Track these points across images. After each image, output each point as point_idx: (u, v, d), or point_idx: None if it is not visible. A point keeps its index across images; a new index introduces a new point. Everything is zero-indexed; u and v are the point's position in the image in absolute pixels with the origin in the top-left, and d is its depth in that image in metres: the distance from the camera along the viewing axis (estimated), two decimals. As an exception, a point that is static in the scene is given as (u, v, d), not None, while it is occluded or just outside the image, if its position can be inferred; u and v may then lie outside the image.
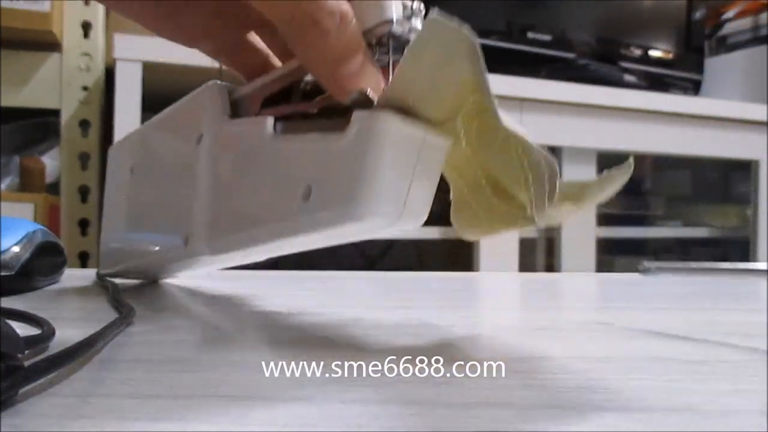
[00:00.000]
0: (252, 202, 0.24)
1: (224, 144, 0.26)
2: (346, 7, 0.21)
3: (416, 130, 0.20)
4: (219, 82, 0.28)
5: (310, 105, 0.25)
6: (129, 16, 0.27)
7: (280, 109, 0.25)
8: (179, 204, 0.28)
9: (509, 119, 0.20)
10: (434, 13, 0.18)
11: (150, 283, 0.37)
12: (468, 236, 0.24)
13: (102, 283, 0.35)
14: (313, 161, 0.22)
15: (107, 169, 0.36)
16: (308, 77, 0.26)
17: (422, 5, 0.22)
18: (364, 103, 0.21)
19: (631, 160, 0.20)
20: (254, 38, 0.29)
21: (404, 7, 0.22)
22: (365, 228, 0.21)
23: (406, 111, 0.20)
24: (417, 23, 0.22)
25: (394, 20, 0.21)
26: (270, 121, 0.24)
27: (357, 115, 0.20)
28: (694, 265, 0.23)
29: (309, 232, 0.21)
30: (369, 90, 0.21)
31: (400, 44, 0.22)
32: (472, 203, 0.24)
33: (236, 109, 0.27)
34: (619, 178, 0.21)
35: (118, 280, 0.35)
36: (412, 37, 0.22)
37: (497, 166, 0.22)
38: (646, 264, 0.23)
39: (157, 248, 0.30)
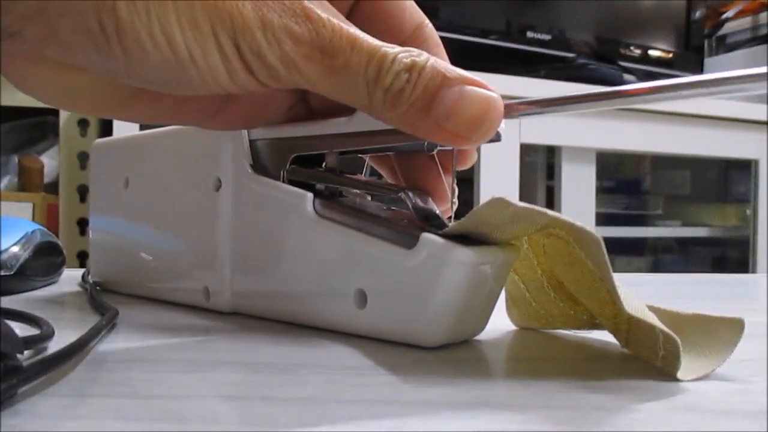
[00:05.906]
0: (287, 280, 0.24)
1: (249, 201, 0.25)
2: (408, 58, 0.19)
3: (486, 259, 0.20)
4: None
5: (352, 182, 0.24)
6: (182, 122, 0.25)
7: (312, 174, 0.24)
8: (196, 249, 0.28)
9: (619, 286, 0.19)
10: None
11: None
12: (522, 326, 0.25)
13: (83, 285, 0.35)
14: (366, 264, 0.22)
15: (90, 170, 0.35)
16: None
17: None
18: (434, 220, 0.21)
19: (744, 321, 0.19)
20: (305, 102, 0.26)
21: None
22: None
23: (474, 233, 0.20)
24: None
25: None
26: (309, 199, 0.23)
27: (427, 240, 0.20)
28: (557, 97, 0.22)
29: (357, 333, 0.22)
30: (439, 211, 0.22)
31: None
32: (533, 302, 0.24)
33: (255, 152, 0.26)
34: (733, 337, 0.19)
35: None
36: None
37: (566, 277, 0.21)
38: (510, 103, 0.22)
39: (170, 290, 0.30)
